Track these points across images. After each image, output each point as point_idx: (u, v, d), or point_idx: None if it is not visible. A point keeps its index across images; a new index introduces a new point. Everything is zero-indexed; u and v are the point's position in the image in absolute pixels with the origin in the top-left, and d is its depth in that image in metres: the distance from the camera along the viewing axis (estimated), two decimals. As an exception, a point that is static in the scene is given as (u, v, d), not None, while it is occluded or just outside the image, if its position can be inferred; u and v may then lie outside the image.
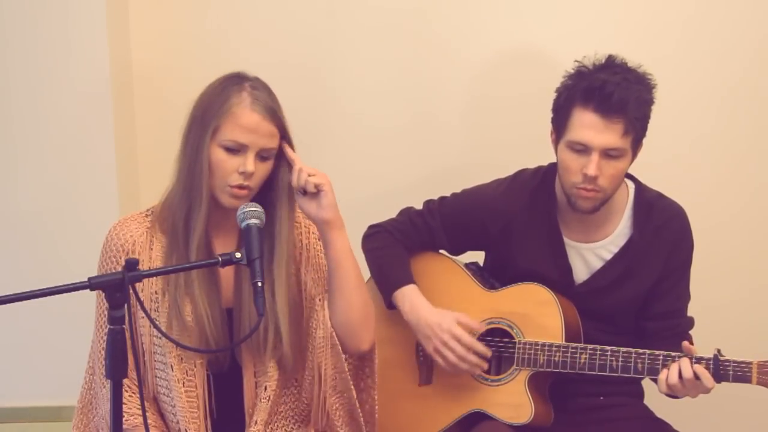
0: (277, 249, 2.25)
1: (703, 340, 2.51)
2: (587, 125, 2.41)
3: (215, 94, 2.23)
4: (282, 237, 2.26)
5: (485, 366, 2.58)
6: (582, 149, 2.43)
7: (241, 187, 2.20)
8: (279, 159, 2.27)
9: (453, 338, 2.56)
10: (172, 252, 2.25)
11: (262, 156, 2.22)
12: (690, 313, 2.64)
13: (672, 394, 2.40)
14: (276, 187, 2.28)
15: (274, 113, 2.22)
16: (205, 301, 2.23)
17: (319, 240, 2.35)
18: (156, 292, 2.26)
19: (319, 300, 2.34)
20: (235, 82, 2.24)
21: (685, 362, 2.36)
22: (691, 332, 2.61)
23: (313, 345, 2.33)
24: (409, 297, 2.63)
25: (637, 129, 2.44)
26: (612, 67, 2.46)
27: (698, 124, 3.20)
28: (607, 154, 2.42)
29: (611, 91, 2.39)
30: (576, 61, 2.52)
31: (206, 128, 2.20)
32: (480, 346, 2.57)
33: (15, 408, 3.09)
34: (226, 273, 2.29)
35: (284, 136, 2.25)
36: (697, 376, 2.34)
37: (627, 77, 2.43)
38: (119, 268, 2.06)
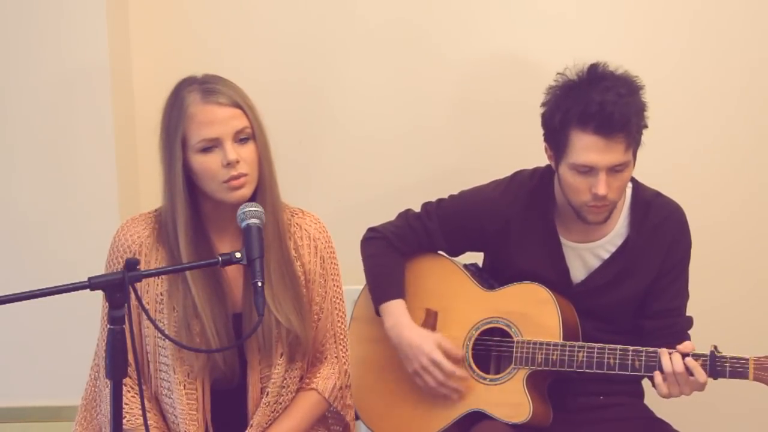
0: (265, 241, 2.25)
1: (703, 340, 2.51)
2: (590, 147, 2.39)
3: (171, 105, 2.23)
4: (269, 229, 2.23)
5: (463, 391, 2.58)
6: (587, 170, 2.43)
7: (234, 178, 2.19)
8: (260, 152, 2.25)
9: (432, 364, 2.56)
10: (174, 264, 2.25)
11: (239, 139, 2.20)
12: (689, 312, 2.63)
13: (668, 393, 2.41)
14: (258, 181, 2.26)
15: (228, 97, 2.20)
16: (210, 317, 2.23)
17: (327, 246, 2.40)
18: (161, 294, 2.27)
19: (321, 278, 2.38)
20: (185, 86, 2.24)
21: (676, 356, 2.37)
22: (690, 332, 2.61)
23: (321, 307, 2.38)
24: (394, 313, 2.64)
25: (637, 139, 2.44)
26: (600, 80, 2.42)
27: (698, 126, 3.20)
28: (613, 169, 2.42)
29: (611, 112, 2.36)
30: (558, 73, 2.50)
31: (174, 141, 2.20)
32: (459, 372, 2.57)
33: (15, 408, 3.09)
34: (235, 277, 2.29)
35: (248, 114, 2.22)
36: (689, 371, 2.35)
37: (620, 92, 2.39)
38: (125, 269, 2.07)
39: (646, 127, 2.47)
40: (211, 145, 2.18)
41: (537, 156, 2.63)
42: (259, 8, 3.20)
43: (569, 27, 3.16)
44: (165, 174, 2.24)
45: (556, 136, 2.46)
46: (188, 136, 2.19)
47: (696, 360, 2.36)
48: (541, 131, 2.54)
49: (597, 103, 2.37)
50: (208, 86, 2.21)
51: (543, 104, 2.52)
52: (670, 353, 2.38)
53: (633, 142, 2.42)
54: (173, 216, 2.23)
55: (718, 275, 3.18)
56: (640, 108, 2.44)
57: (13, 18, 2.97)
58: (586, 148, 2.40)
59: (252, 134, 2.22)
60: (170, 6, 3.19)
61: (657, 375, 2.39)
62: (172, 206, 2.23)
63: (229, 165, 2.18)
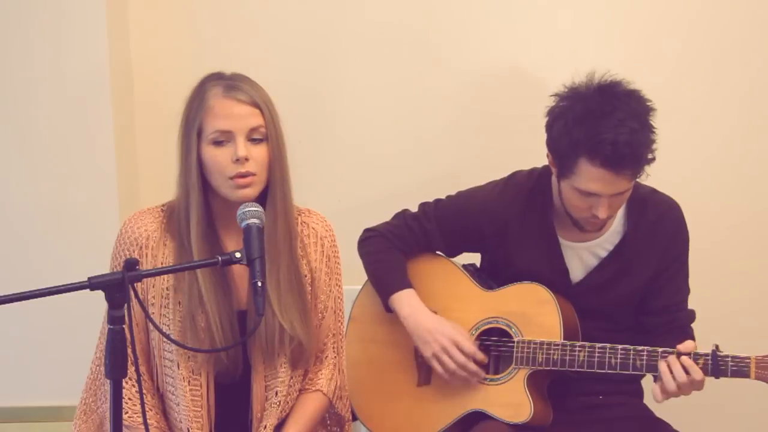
0: (275, 246, 2.25)
1: (704, 340, 2.51)
2: (596, 179, 2.38)
3: (194, 97, 2.26)
4: (280, 234, 2.26)
5: (483, 375, 2.58)
6: (591, 195, 2.42)
7: (241, 175, 2.19)
8: (272, 154, 2.25)
9: (453, 345, 2.56)
10: (182, 257, 2.26)
11: (253, 138, 2.21)
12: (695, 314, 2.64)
13: (667, 398, 2.41)
14: (269, 184, 2.27)
15: (249, 95, 2.22)
16: (215, 311, 2.23)
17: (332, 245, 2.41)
18: (167, 288, 2.27)
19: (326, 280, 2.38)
20: (211, 79, 2.26)
21: (672, 358, 2.37)
22: (693, 326, 2.61)
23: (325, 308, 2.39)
24: (407, 301, 2.63)
25: (643, 168, 2.42)
26: (612, 110, 2.36)
27: (698, 129, 3.21)
28: (616, 194, 2.42)
29: (623, 153, 2.33)
30: (565, 86, 2.47)
31: (191, 131, 2.22)
32: (480, 355, 2.57)
33: (15, 408, 3.09)
34: (241, 274, 2.29)
35: (266, 115, 2.23)
36: (686, 370, 2.35)
37: (632, 126, 2.35)
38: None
39: (654, 159, 2.44)
40: (223, 139, 2.20)
41: (533, 161, 2.64)
42: (260, 8, 3.20)
43: (569, 35, 3.17)
44: (181, 165, 2.25)
45: (561, 157, 2.44)
46: (203, 127, 2.21)
47: (698, 359, 2.36)
48: (539, 137, 2.53)
49: (609, 142, 2.33)
50: (231, 82, 2.24)
51: (550, 119, 2.48)
52: (668, 363, 2.37)
53: (640, 172, 2.42)
54: (186, 207, 2.24)
55: (719, 275, 3.18)
56: (650, 141, 2.40)
57: (14, 18, 2.97)
58: (593, 179, 2.38)
59: (266, 135, 2.23)
60: (170, 6, 3.19)
61: (655, 388, 2.39)
62: (186, 198, 2.24)
63: (238, 161, 2.18)
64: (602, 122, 2.36)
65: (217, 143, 2.20)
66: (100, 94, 3.01)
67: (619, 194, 2.43)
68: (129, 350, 1.84)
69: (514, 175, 2.69)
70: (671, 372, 2.36)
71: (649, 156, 2.42)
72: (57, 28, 2.97)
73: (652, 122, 2.42)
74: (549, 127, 2.48)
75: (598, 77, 2.45)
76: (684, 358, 2.35)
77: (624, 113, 2.37)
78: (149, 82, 3.17)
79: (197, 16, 3.21)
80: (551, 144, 2.48)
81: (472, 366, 2.56)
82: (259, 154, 2.21)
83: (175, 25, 3.19)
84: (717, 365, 2.34)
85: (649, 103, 2.44)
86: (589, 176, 2.39)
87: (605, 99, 2.40)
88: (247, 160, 2.19)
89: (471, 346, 2.56)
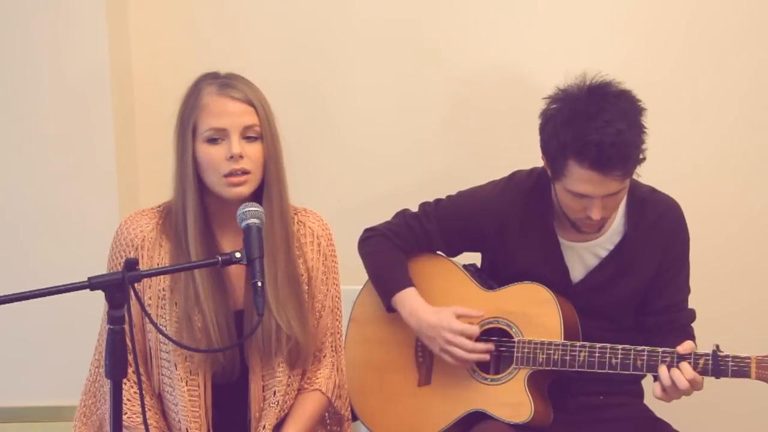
0: (272, 245, 2.25)
1: (705, 340, 2.51)
2: (586, 180, 2.38)
3: (189, 95, 2.26)
4: (276, 233, 2.26)
5: (492, 350, 2.58)
6: (583, 196, 2.42)
7: (235, 173, 2.19)
8: (267, 153, 2.25)
9: (455, 334, 2.56)
10: (179, 257, 2.26)
11: (247, 137, 2.22)
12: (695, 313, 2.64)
13: (669, 400, 2.41)
14: (264, 183, 2.27)
15: (243, 93, 2.22)
16: (212, 311, 2.23)
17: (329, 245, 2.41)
18: (163, 290, 2.27)
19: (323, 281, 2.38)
20: (206, 78, 2.27)
21: (662, 369, 2.37)
22: (694, 326, 2.61)
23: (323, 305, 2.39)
24: (408, 301, 2.63)
25: (634, 168, 2.42)
26: (599, 111, 2.35)
27: (697, 128, 3.20)
28: (609, 195, 2.42)
29: (609, 154, 2.33)
30: (558, 87, 2.47)
31: (186, 130, 2.22)
32: (475, 329, 2.57)
33: (15, 408, 3.09)
34: (238, 274, 2.29)
35: (260, 114, 2.23)
36: (686, 377, 2.34)
37: (619, 127, 2.34)
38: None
39: (644, 159, 2.44)
40: (217, 137, 2.20)
41: (533, 160, 2.63)
42: (260, 8, 3.20)
43: (566, 33, 3.17)
44: (177, 164, 2.26)
45: (552, 159, 2.45)
46: (198, 125, 2.21)
47: (698, 359, 2.36)
48: (537, 136, 2.53)
49: (595, 144, 2.33)
50: (226, 81, 2.25)
51: (542, 122, 2.48)
52: (669, 366, 2.38)
53: (630, 172, 2.41)
54: (183, 207, 2.24)
55: (719, 275, 3.18)
56: (639, 141, 2.40)
57: (13, 18, 2.97)
58: (583, 180, 2.38)
59: (260, 134, 2.23)
60: (170, 6, 3.19)
61: (656, 387, 2.39)
62: (183, 197, 2.24)
63: (232, 158, 2.19)
64: (588, 124, 2.36)
65: (212, 141, 2.21)
66: (100, 94, 3.01)
67: (612, 195, 2.42)
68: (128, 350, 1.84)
69: (514, 175, 2.69)
70: (672, 380, 2.36)
71: (640, 156, 2.41)
72: (57, 28, 2.97)
73: (642, 122, 2.42)
74: (541, 130, 2.49)
75: (590, 78, 2.45)
76: (683, 364, 2.36)
77: (611, 114, 2.36)
78: (149, 82, 3.17)
79: (197, 16, 3.21)
80: (543, 146, 2.48)
81: (480, 346, 2.56)
82: (253, 152, 2.22)
83: (175, 25, 3.19)
84: (717, 365, 2.35)
85: (639, 104, 2.43)
86: (579, 178, 2.39)
87: (593, 100, 2.40)
88: (241, 157, 2.19)
89: (471, 328, 2.56)
